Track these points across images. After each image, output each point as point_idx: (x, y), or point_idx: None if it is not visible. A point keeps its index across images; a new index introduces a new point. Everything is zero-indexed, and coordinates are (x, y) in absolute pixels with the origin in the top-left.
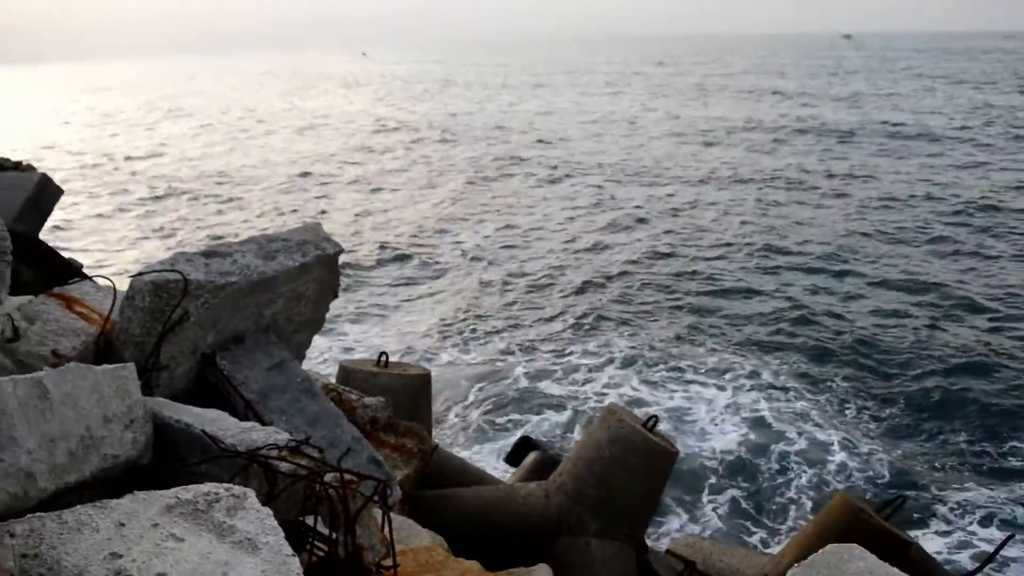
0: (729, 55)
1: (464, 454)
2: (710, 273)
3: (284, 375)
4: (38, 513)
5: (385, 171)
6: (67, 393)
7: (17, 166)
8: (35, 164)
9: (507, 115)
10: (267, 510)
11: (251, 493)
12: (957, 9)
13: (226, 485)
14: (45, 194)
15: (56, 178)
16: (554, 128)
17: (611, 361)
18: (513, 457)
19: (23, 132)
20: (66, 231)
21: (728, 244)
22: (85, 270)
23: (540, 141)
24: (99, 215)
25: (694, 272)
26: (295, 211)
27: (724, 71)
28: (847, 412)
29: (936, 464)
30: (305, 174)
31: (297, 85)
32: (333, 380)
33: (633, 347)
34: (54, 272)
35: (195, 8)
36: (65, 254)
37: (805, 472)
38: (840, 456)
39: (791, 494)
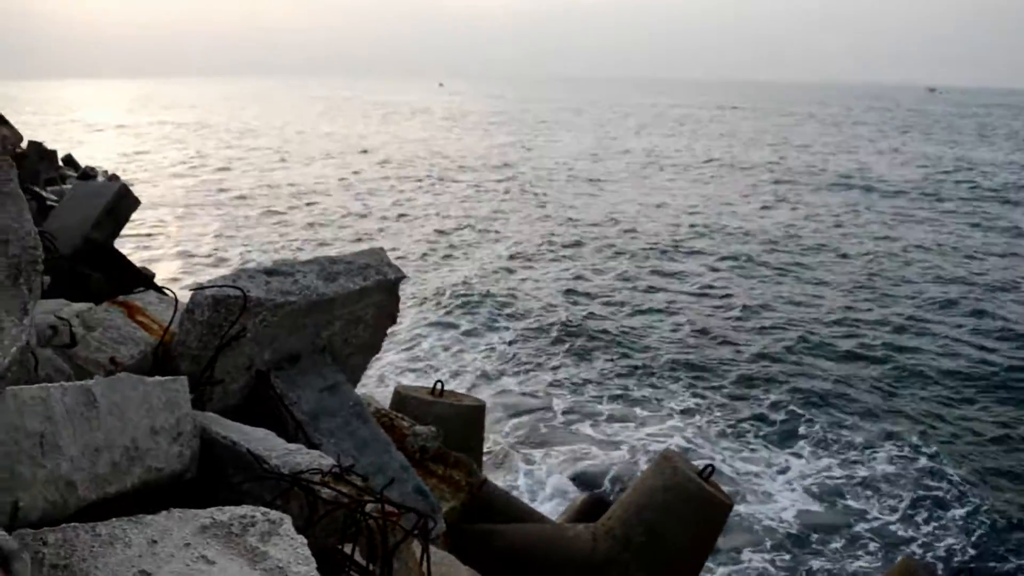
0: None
1: (512, 489)
2: (793, 329)
3: (337, 397)
4: (73, 523)
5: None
6: (115, 403)
7: (104, 174)
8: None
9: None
10: (302, 538)
11: (287, 519)
12: None
13: (263, 509)
14: (123, 204)
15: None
16: (602, 170)
17: (671, 407)
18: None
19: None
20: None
21: (815, 304)
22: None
23: (591, 180)
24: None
25: (772, 328)
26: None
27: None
28: (929, 485)
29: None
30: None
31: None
32: (387, 404)
33: (697, 396)
34: (124, 280)
35: (274, 29)
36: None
37: (868, 544)
38: (909, 531)
39: (851, 562)
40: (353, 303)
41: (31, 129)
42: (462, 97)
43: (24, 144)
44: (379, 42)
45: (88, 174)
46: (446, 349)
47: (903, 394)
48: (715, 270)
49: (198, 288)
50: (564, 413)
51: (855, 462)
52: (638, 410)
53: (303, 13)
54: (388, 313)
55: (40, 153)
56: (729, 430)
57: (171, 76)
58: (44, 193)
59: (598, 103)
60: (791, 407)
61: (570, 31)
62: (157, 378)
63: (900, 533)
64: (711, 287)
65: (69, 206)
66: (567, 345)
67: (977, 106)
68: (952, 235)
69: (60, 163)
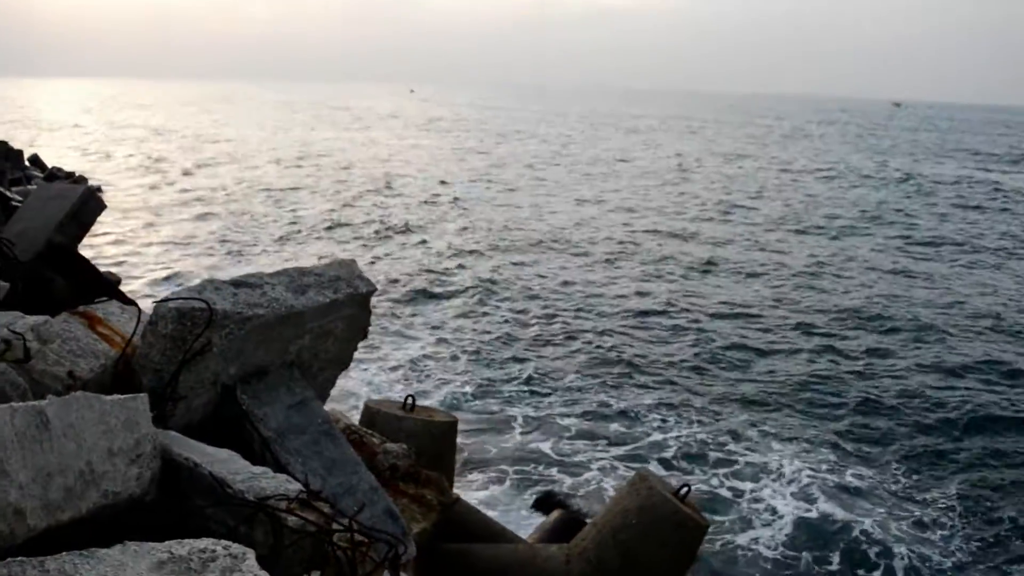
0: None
1: (483, 506)
2: (779, 338)
3: (304, 414)
4: (20, 558)
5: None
6: (70, 424)
7: (70, 176)
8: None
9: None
10: (265, 575)
11: (251, 555)
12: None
13: (224, 543)
14: (88, 207)
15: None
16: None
17: (649, 422)
18: (539, 505)
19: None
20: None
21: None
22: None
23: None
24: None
25: (756, 333)
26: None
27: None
28: (914, 495)
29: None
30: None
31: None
32: (357, 418)
33: (673, 408)
34: (88, 286)
35: (245, 34)
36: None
37: (851, 569)
38: (901, 548)
39: None
40: (323, 316)
41: None
42: (426, 103)
43: None
44: (359, 48)
45: (55, 175)
46: (411, 360)
47: (885, 406)
48: (680, 277)
49: (162, 300)
50: (533, 428)
51: (838, 483)
52: (611, 425)
53: (285, 16)
54: (359, 327)
55: (5, 153)
56: (706, 448)
57: (141, 76)
58: (8, 194)
59: (565, 114)
60: (770, 424)
61: (545, 40)
62: (116, 397)
63: (887, 560)
64: (679, 296)
65: (33, 207)
66: (533, 355)
67: (940, 119)
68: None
69: (26, 163)
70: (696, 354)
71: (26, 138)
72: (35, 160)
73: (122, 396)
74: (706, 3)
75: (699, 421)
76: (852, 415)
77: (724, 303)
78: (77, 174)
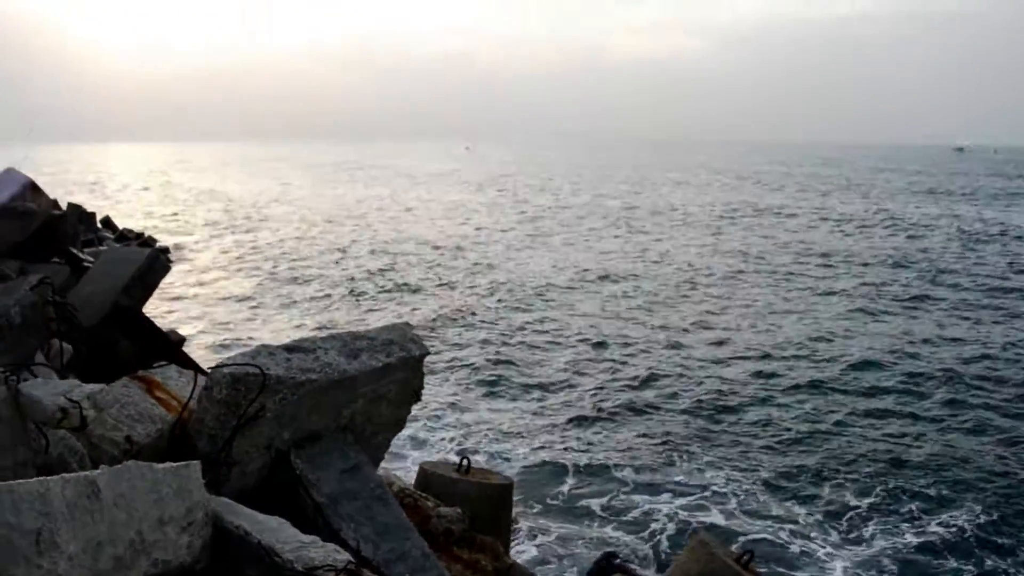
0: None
1: (539, 570)
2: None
3: (357, 479)
4: None
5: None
6: (121, 493)
7: (139, 237)
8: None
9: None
10: None
11: None
12: None
13: None
14: (153, 270)
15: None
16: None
17: (700, 476)
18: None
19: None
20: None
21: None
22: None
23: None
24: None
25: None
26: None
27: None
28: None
29: None
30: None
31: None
32: (413, 480)
33: (729, 463)
34: (151, 347)
35: (304, 95)
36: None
37: None
38: None
39: None
40: (376, 380)
41: (68, 191)
42: (464, 163)
43: (64, 206)
44: (413, 107)
45: (125, 236)
46: (467, 420)
47: (969, 459)
48: (732, 325)
49: (217, 366)
50: (588, 484)
51: (918, 543)
52: (668, 477)
53: (342, 78)
54: (412, 390)
55: (79, 215)
56: (767, 504)
57: (204, 140)
58: (81, 255)
59: (600, 167)
60: (839, 477)
61: (594, 90)
62: (168, 465)
63: None
64: (732, 340)
65: (101, 270)
66: (577, 407)
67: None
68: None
69: (99, 225)
70: (761, 403)
71: (98, 201)
72: (107, 222)
73: (175, 464)
74: (753, 51)
75: (760, 472)
76: (927, 472)
77: (795, 357)
78: (146, 235)
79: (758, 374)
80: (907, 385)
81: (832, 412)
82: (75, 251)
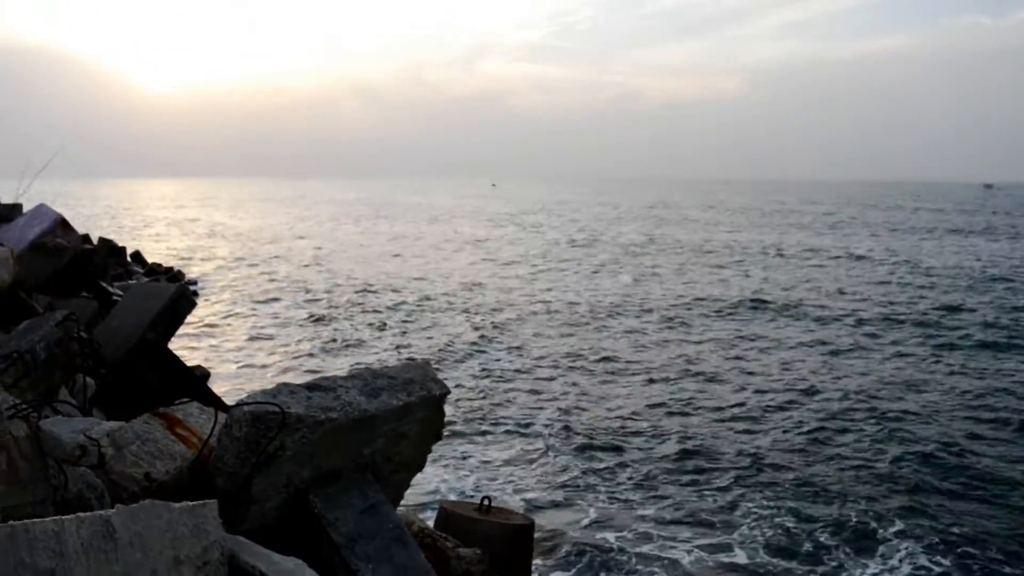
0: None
1: None
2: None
3: (376, 519)
4: None
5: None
6: (137, 533)
7: (168, 271)
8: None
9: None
10: None
11: None
12: None
13: None
14: (179, 305)
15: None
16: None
17: (732, 517)
18: None
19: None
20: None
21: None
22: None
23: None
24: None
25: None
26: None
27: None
28: None
29: None
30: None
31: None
32: (432, 520)
33: (764, 502)
34: (176, 382)
35: (328, 136)
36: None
37: None
38: None
39: None
40: (396, 420)
41: (100, 225)
42: (488, 200)
43: (95, 241)
44: (441, 145)
45: (154, 270)
46: (487, 459)
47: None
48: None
49: (237, 404)
50: (611, 523)
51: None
52: (686, 516)
53: (371, 116)
54: (433, 430)
55: (109, 249)
56: (796, 541)
57: (234, 176)
58: (111, 289)
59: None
60: (873, 510)
61: (624, 132)
62: (185, 504)
63: None
64: (758, 373)
65: (128, 305)
66: (596, 443)
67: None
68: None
69: (128, 259)
70: (791, 440)
71: (128, 235)
72: (136, 256)
73: (191, 503)
74: (781, 91)
75: (786, 508)
76: (958, 502)
77: (822, 393)
78: (175, 269)
79: (787, 407)
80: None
81: (879, 456)
82: (104, 285)
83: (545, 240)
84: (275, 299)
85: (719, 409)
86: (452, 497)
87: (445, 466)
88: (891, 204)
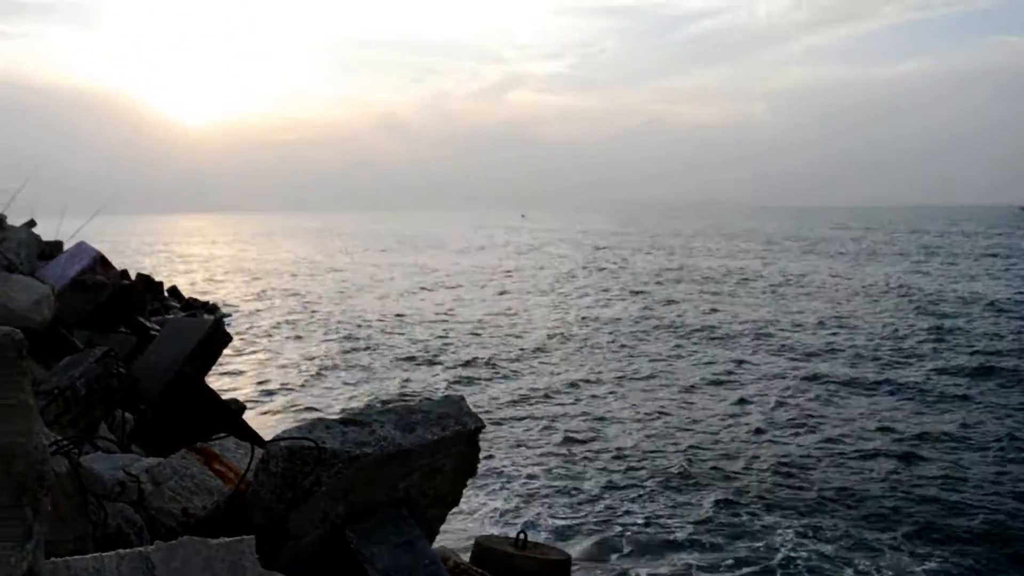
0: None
1: None
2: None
3: (412, 554)
4: None
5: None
6: (175, 569)
7: (204, 305)
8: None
9: None
10: None
11: None
12: None
13: None
14: (215, 339)
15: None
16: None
17: (771, 537)
18: None
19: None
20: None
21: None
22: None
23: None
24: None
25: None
26: None
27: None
28: None
29: None
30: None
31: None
32: (468, 555)
33: (796, 531)
34: (212, 416)
35: (357, 169)
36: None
37: None
38: None
39: None
40: (431, 454)
41: (137, 261)
42: (513, 232)
43: (133, 276)
44: (471, 176)
45: (191, 304)
46: (524, 492)
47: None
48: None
49: (274, 439)
50: (648, 555)
51: None
52: (726, 550)
53: (401, 149)
54: (468, 464)
55: (147, 285)
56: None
57: (264, 211)
58: (148, 324)
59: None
60: (913, 541)
61: (654, 158)
62: (222, 540)
63: None
64: (800, 408)
65: (165, 340)
66: (634, 476)
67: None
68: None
69: (165, 294)
70: (832, 468)
71: (166, 271)
72: (173, 291)
73: (229, 539)
74: (808, 115)
75: (828, 541)
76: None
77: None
78: (210, 303)
79: (828, 441)
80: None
81: (920, 481)
82: (142, 320)
83: (569, 269)
84: (308, 332)
85: (757, 432)
86: (488, 531)
87: (479, 498)
88: (920, 227)
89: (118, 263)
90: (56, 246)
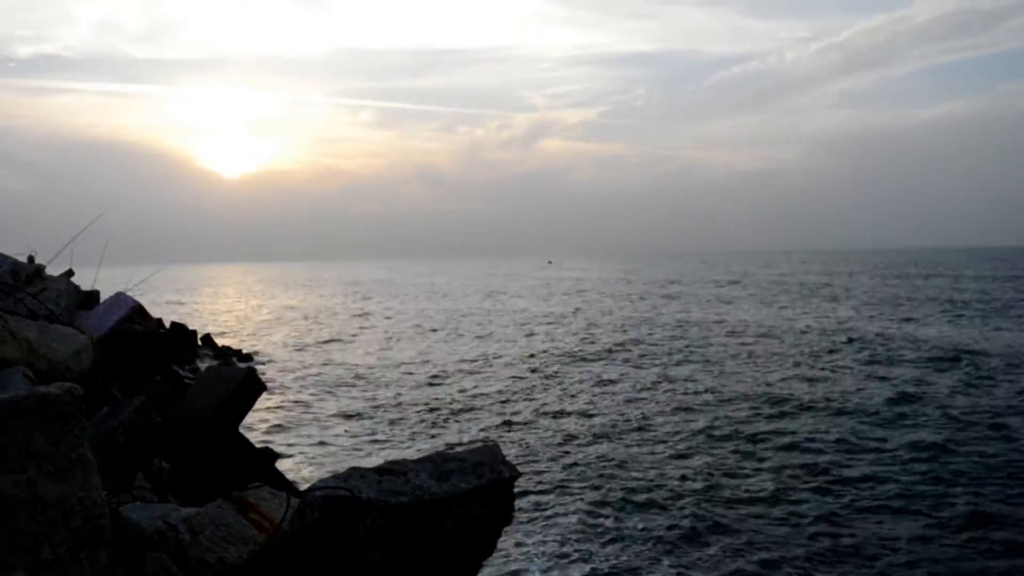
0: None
1: None
2: None
3: None
4: None
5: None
6: None
7: (238, 353)
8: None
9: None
10: None
11: None
12: None
13: None
14: (248, 387)
15: None
16: None
17: None
18: None
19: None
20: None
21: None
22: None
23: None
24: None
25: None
26: None
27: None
28: None
29: None
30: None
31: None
32: None
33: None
34: (246, 465)
35: (391, 218)
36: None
37: None
38: None
39: None
40: (466, 503)
41: (173, 311)
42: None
43: (167, 325)
44: (500, 224)
45: (224, 353)
46: (551, 539)
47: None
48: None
49: (309, 489)
50: None
51: None
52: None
53: (432, 198)
54: (502, 512)
55: (181, 334)
56: None
57: (296, 260)
58: (182, 373)
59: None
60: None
61: (685, 207)
62: None
63: None
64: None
65: (200, 389)
66: (658, 510)
67: None
68: None
69: (199, 343)
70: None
71: (200, 320)
72: (207, 340)
73: None
74: (843, 159)
75: None
76: None
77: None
78: (243, 352)
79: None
80: None
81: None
82: (177, 369)
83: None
84: (342, 382)
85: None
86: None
87: (512, 545)
88: (956, 272)
89: (152, 312)
90: (92, 296)
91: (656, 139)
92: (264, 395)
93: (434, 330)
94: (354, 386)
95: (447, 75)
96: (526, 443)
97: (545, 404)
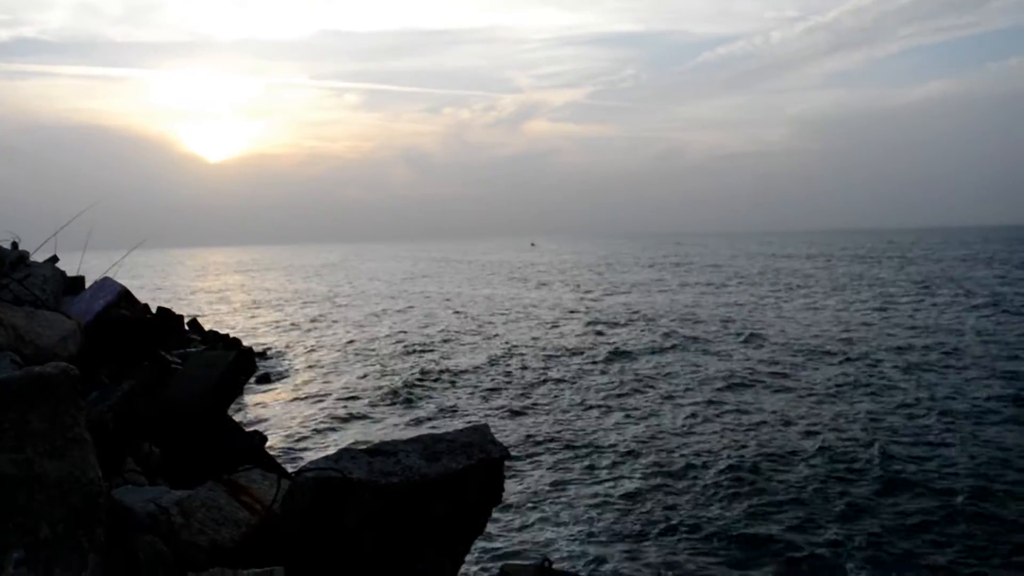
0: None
1: None
2: None
3: None
4: None
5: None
6: None
7: (225, 338)
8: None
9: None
10: None
11: None
12: None
13: None
14: (237, 372)
15: None
16: None
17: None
18: None
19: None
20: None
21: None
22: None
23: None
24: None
25: None
26: None
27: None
28: None
29: None
30: None
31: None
32: None
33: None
34: (234, 447)
35: (377, 200)
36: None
37: None
38: None
39: None
40: (456, 482)
41: (158, 295)
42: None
43: (154, 310)
44: (481, 206)
45: (212, 337)
46: (547, 517)
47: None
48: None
49: (300, 470)
50: None
51: None
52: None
53: (418, 180)
54: (492, 491)
55: (168, 319)
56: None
57: (281, 243)
58: (169, 357)
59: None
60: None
61: (671, 189)
62: (252, 571)
63: None
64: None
65: (188, 373)
66: (657, 503)
67: None
68: None
69: (186, 328)
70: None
71: (187, 304)
72: (194, 324)
73: (259, 570)
74: (829, 141)
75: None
76: None
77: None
78: (231, 336)
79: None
80: None
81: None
82: (164, 354)
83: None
84: (332, 362)
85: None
86: (513, 559)
87: (503, 524)
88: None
89: (139, 297)
90: (78, 281)
91: (643, 120)
92: (252, 378)
93: (453, 312)
94: (344, 366)
95: (433, 56)
96: (517, 423)
97: (533, 386)
